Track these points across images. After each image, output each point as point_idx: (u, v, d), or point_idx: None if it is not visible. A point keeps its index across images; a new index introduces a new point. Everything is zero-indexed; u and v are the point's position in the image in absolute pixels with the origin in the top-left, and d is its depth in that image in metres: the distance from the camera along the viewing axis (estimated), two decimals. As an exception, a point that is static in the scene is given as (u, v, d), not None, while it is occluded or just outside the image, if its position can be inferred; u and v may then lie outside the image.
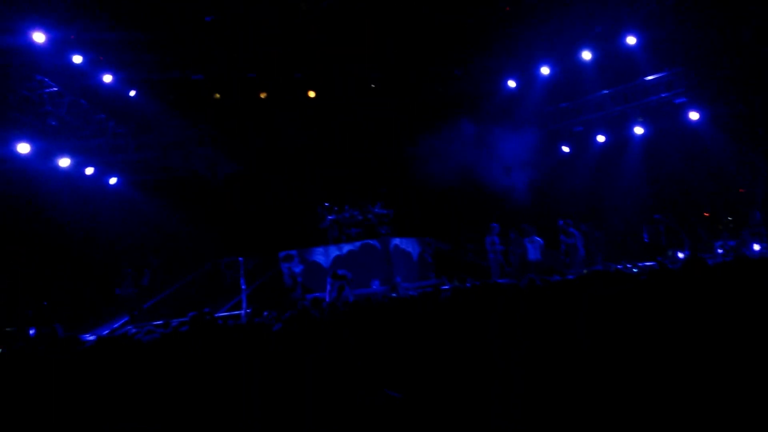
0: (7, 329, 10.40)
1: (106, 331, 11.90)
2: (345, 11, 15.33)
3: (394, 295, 11.87)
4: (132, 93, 15.85)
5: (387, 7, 15.35)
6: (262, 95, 17.54)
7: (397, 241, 16.07)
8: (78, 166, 15.11)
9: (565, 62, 16.62)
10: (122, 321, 13.36)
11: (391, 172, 17.59)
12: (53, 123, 14.49)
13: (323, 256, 16.02)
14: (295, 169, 17.45)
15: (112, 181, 16.32)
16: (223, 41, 15.37)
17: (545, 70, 16.98)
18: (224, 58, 15.70)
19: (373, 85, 18.18)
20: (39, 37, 13.10)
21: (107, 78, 15.24)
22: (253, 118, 17.10)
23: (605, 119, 17.16)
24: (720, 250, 13.97)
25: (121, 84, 15.53)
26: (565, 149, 18.23)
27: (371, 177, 17.39)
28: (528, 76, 17.41)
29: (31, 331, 10.33)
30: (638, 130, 16.82)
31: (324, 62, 16.61)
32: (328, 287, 13.93)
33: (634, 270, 12.16)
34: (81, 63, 14.45)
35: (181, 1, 14.15)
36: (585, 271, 13.19)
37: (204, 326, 6.33)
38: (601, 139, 17.56)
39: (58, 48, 13.74)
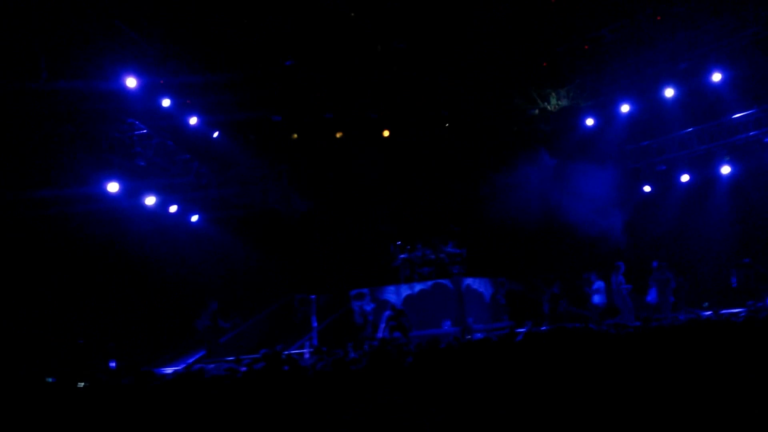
0: (90, 362, 10.85)
1: (183, 366, 12.24)
2: (420, 50, 15.58)
3: (467, 337, 11.68)
4: (215, 134, 16.56)
5: (460, 44, 15.47)
6: (338, 135, 17.93)
7: (469, 281, 15.87)
8: (163, 204, 15.77)
9: (648, 99, 16.18)
10: (198, 355, 13.70)
11: (465, 210, 17.48)
12: (141, 163, 15.21)
13: (394, 294, 15.98)
14: (369, 208, 17.62)
15: (194, 218, 16.94)
16: (301, 83, 15.88)
17: (625, 108, 16.57)
18: (302, 99, 16.18)
19: (447, 124, 18.26)
20: (131, 82, 13.88)
21: (193, 120, 15.96)
22: (328, 156, 17.47)
23: (689, 158, 16.53)
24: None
25: (205, 125, 16.26)
26: (647, 189, 17.61)
27: (444, 215, 17.31)
28: (608, 114, 17.02)
29: (112, 364, 10.74)
30: (725, 170, 16.10)
31: (399, 102, 16.84)
32: (383, 324, 13.85)
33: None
34: (169, 106, 15.25)
35: (262, 46, 14.76)
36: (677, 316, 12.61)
37: (277, 363, 6.38)
38: (685, 178, 16.88)
39: (148, 92, 14.51)
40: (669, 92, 15.64)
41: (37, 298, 11.70)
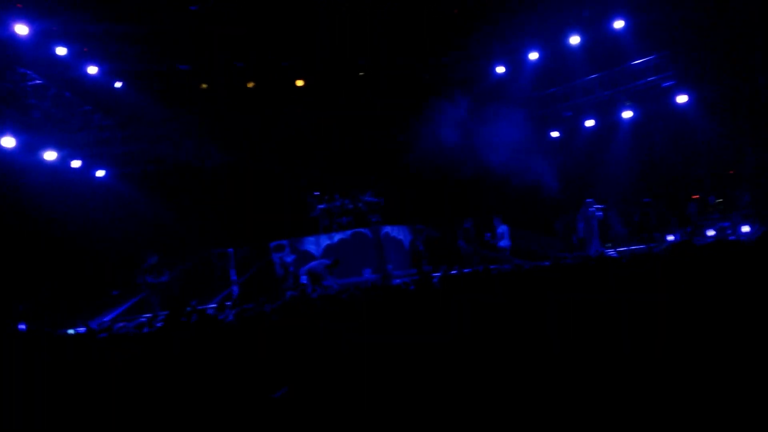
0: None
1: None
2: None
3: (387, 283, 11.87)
4: (118, 84, 15.72)
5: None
6: (250, 85, 17.42)
7: (387, 229, 16.07)
8: (64, 160, 14.96)
9: (553, 47, 16.59)
10: (113, 315, 13.29)
11: (381, 160, 17.53)
12: (37, 116, 14.34)
13: (314, 245, 15.99)
14: (284, 159, 17.35)
15: (100, 173, 16.19)
16: (208, 30, 15.21)
17: (533, 55, 16.95)
18: (210, 47, 15.55)
19: (361, 73, 18.08)
20: (22, 29, 12.94)
21: (92, 70, 15.08)
22: (241, 107, 16.97)
23: (594, 103, 17.16)
24: (711, 232, 14.04)
25: (106, 76, 15.39)
26: (555, 134, 18.25)
27: (361, 165, 17.31)
28: (517, 61, 17.36)
29: (21, 327, 10.26)
30: (627, 114, 16.84)
31: (312, 50, 16.48)
32: (304, 279, 13.88)
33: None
34: (65, 55, 14.31)
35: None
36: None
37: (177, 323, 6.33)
38: (590, 123, 17.57)
39: (42, 40, 13.57)
40: (574, 39, 16.07)
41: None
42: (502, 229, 15.49)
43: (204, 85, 17.12)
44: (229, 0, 14.70)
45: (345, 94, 17.52)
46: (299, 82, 17.64)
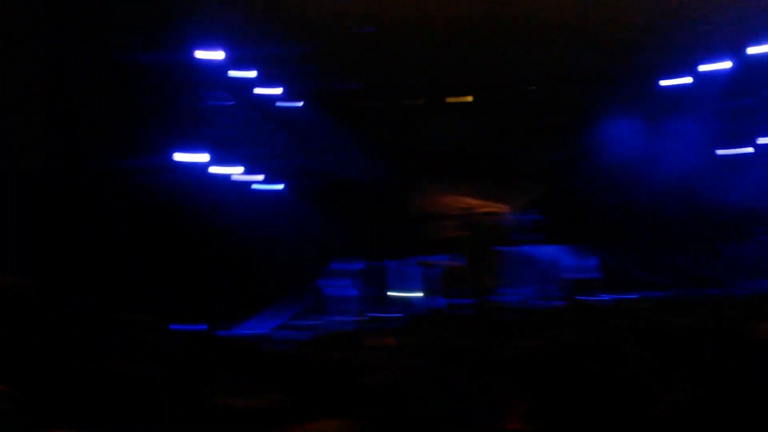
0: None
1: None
2: (499, 18, 15.14)
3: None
4: (299, 104, 17.03)
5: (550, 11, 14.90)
6: (419, 100, 17.88)
7: (549, 249, 15.52)
8: (248, 174, 16.38)
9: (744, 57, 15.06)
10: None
11: (545, 179, 16.98)
12: (229, 134, 15.88)
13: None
14: (447, 175, 17.47)
15: (278, 186, 17.49)
16: (379, 51, 15.88)
17: (725, 65, 15.51)
18: (378, 68, 16.23)
19: (532, 87, 17.77)
20: (218, 54, 14.57)
21: (276, 90, 16.54)
22: (407, 125, 17.48)
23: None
24: None
25: (287, 95, 16.76)
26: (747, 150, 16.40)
27: (525, 181, 16.88)
28: (702, 73, 15.95)
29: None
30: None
31: (478, 69, 16.52)
32: None
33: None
34: (253, 77, 15.87)
35: (339, 16, 14.86)
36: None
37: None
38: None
39: (234, 63, 15.16)
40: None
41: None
42: None
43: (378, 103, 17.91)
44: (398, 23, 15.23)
45: (512, 111, 17.29)
46: (468, 98, 17.75)
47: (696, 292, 12.30)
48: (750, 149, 16.44)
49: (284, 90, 16.69)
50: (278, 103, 16.62)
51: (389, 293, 15.13)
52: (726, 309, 5.41)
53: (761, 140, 15.86)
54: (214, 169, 15.16)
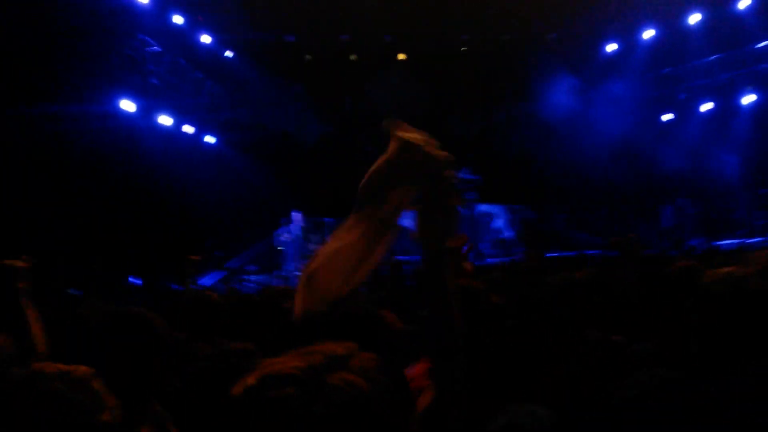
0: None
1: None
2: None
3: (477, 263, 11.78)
4: (228, 54, 16.35)
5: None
6: (353, 57, 17.60)
7: (482, 207, 15.87)
8: (178, 125, 15.67)
9: (671, 26, 15.69)
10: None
11: (480, 138, 17.28)
12: (154, 82, 15.04)
13: (407, 220, 16.00)
14: (382, 132, 17.44)
15: (210, 139, 16.87)
16: (316, 3, 15.47)
17: (649, 33, 16.12)
18: (316, 19, 15.82)
19: (464, 48, 17.84)
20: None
21: (205, 39, 15.79)
22: (343, 79, 17.20)
23: (712, 87, 16.12)
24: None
25: (217, 45, 16.07)
26: (668, 117, 17.25)
27: (459, 143, 17.12)
28: (629, 40, 16.55)
29: (135, 280, 10.87)
30: (748, 99, 15.72)
31: (414, 25, 16.41)
32: None
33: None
34: (181, 24, 15.05)
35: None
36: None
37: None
38: (707, 106, 16.48)
39: (160, 8, 14.30)
40: (694, 18, 15.16)
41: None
42: None
43: (309, 57, 17.49)
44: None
45: (447, 69, 17.34)
46: (401, 56, 17.65)
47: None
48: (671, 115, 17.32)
49: (216, 39, 16.02)
50: (210, 53, 15.88)
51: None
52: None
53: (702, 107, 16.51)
54: (143, 119, 14.39)
